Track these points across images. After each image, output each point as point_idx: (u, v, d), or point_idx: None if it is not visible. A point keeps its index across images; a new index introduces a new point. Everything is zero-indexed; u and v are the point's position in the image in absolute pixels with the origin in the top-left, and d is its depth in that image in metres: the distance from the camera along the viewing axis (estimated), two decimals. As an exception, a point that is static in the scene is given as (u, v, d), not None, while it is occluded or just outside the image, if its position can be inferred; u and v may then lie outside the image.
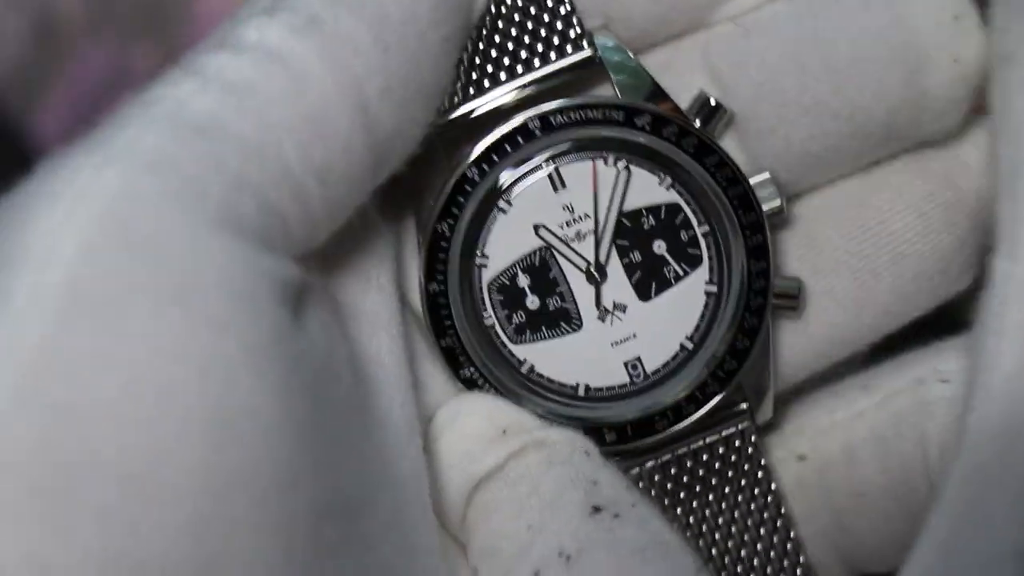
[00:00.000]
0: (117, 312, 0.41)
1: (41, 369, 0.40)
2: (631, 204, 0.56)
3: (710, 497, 0.56)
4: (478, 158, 0.54)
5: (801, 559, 0.56)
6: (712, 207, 0.55)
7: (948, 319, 0.58)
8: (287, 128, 0.46)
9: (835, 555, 0.59)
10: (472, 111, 0.55)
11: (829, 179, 0.57)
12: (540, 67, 0.55)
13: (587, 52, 0.55)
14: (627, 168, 0.55)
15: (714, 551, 0.56)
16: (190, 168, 0.44)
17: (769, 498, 0.56)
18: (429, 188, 0.55)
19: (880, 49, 0.54)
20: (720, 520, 0.56)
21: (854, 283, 0.57)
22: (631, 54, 0.56)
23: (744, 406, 0.57)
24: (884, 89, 0.54)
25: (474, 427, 0.53)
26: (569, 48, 0.55)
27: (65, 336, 0.41)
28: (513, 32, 0.55)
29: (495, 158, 0.55)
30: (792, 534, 0.56)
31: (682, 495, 0.56)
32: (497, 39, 0.55)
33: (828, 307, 0.57)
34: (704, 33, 0.57)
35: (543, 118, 0.54)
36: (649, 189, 0.56)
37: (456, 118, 0.55)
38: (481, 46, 0.55)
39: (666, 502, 0.56)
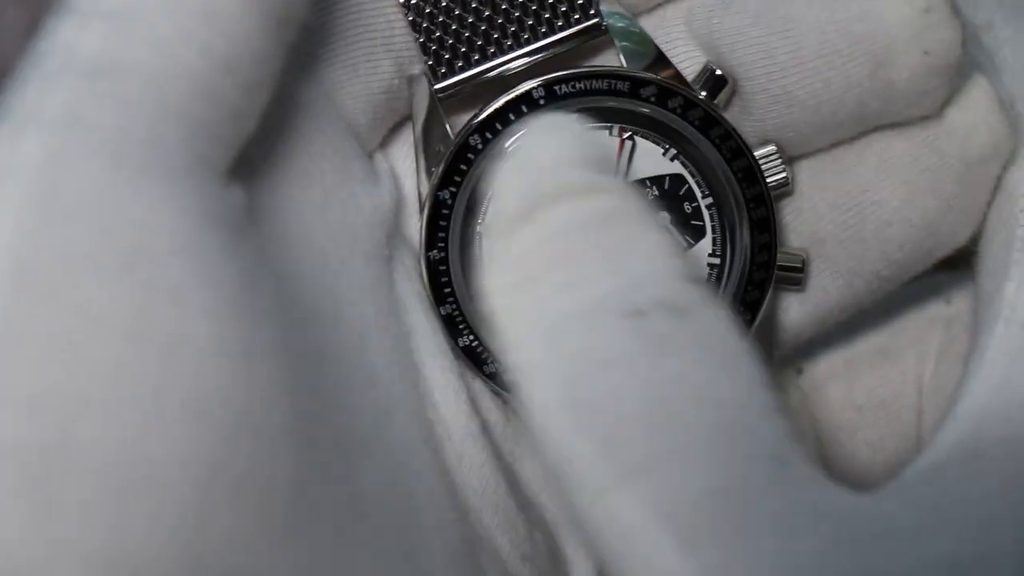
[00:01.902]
0: (67, 290, 0.39)
1: None
2: (635, 174, 0.55)
3: None
4: (481, 125, 0.54)
5: None
6: (716, 179, 0.55)
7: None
8: (182, 34, 0.43)
9: None
10: (476, 76, 0.55)
11: (814, 150, 0.57)
12: (546, 35, 0.55)
13: (594, 19, 0.55)
14: (631, 139, 0.55)
15: None
16: (104, 117, 0.41)
17: None
18: (432, 155, 0.55)
19: (848, 41, 0.53)
20: None
21: (843, 252, 0.57)
22: (636, 20, 0.56)
23: None
24: (851, 82, 0.54)
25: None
26: (576, 15, 0.55)
27: (15, 322, 0.39)
28: (520, 0, 0.55)
29: (499, 126, 0.54)
30: None
31: None
32: (504, 6, 0.54)
33: (820, 274, 0.57)
34: (688, 1, 0.56)
35: (547, 87, 0.54)
36: (653, 160, 0.55)
37: (459, 82, 0.55)
38: (487, 13, 0.55)
39: None
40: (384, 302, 0.52)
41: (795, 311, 0.57)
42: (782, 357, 0.59)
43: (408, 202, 0.56)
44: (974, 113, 0.55)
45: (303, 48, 0.52)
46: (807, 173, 0.57)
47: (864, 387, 0.59)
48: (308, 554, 0.43)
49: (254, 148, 0.48)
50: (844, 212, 0.56)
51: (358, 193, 0.52)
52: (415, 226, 0.55)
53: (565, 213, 0.43)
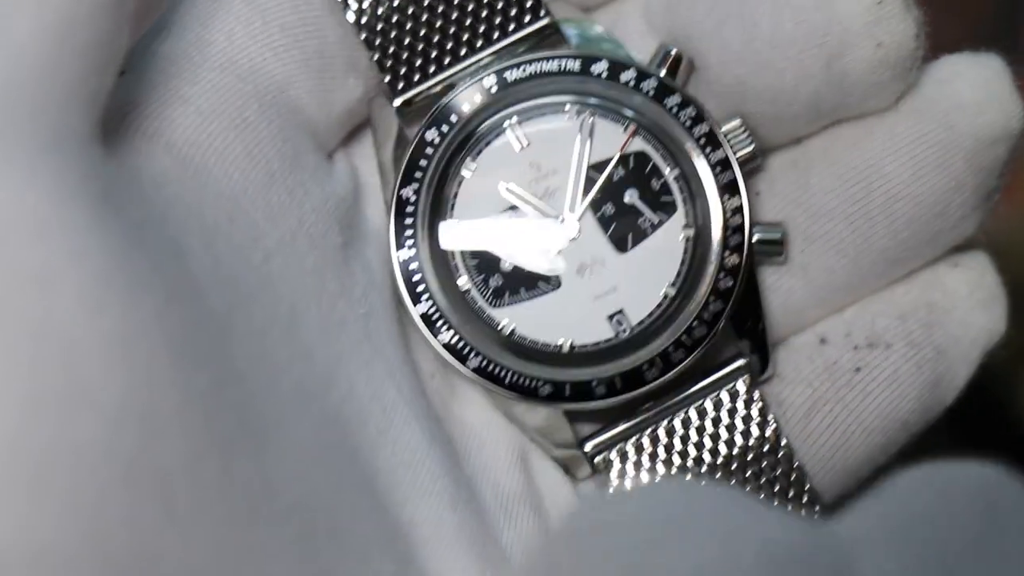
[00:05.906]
0: None
1: None
2: (597, 156, 0.55)
3: (718, 460, 0.54)
4: (435, 119, 0.54)
5: (817, 508, 0.53)
6: (679, 149, 0.55)
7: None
8: (7, 11, 0.42)
9: None
10: (433, 87, 0.55)
11: (773, 146, 0.56)
12: (500, 39, 0.55)
13: (544, 20, 0.55)
14: (590, 118, 0.55)
15: None
16: None
17: (780, 454, 0.54)
18: (396, 163, 0.55)
19: (801, 31, 0.53)
20: (733, 481, 0.54)
21: (849, 227, 0.55)
22: (591, 22, 0.56)
23: (742, 362, 0.55)
24: (805, 73, 0.53)
25: None
26: (527, 17, 0.55)
27: None
28: (470, 7, 0.55)
29: (453, 119, 0.54)
30: (806, 485, 0.54)
31: (692, 454, 0.54)
32: (454, 15, 0.55)
33: (825, 252, 0.55)
34: None
35: (499, 74, 0.54)
36: (613, 138, 0.55)
37: (417, 96, 0.55)
38: (439, 23, 0.55)
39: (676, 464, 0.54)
40: (332, 285, 0.51)
41: (800, 292, 0.56)
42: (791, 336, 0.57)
43: (367, 193, 0.55)
44: (986, 90, 0.54)
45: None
46: (816, 148, 0.56)
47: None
48: (214, 533, 0.41)
49: (180, 129, 0.48)
50: (852, 185, 0.55)
51: (307, 182, 0.52)
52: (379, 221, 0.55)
53: None
